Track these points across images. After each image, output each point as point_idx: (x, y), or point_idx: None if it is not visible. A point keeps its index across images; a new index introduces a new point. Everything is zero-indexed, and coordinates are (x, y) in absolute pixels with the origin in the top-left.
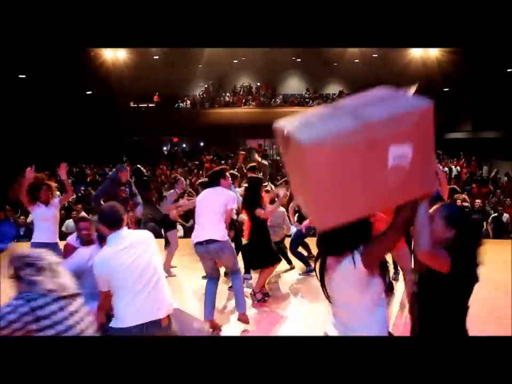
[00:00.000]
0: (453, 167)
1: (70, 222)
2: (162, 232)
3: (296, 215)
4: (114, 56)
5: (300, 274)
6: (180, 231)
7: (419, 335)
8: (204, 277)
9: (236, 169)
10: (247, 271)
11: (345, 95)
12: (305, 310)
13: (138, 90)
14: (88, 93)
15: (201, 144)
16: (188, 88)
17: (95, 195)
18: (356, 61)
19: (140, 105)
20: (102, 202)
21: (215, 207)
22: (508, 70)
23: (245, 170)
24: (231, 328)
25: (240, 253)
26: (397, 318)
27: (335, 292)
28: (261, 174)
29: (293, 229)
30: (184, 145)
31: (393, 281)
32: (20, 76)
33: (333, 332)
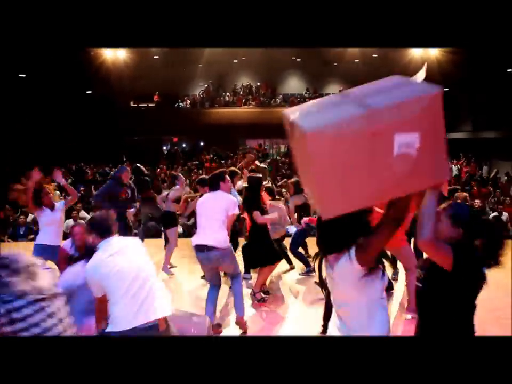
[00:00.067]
0: (453, 166)
1: (70, 222)
2: (162, 230)
3: (295, 214)
4: (114, 56)
5: (299, 274)
6: (179, 228)
7: (420, 333)
8: (202, 277)
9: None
10: (247, 270)
11: None
12: (305, 310)
13: (138, 90)
14: (88, 92)
15: (201, 144)
16: (188, 87)
17: (96, 195)
18: (356, 61)
19: (139, 105)
20: (104, 200)
21: (215, 214)
22: (508, 70)
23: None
24: (231, 328)
25: (240, 253)
26: (396, 318)
27: (334, 291)
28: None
29: (293, 229)
30: (184, 145)
31: (393, 282)
32: (20, 75)
33: (336, 334)
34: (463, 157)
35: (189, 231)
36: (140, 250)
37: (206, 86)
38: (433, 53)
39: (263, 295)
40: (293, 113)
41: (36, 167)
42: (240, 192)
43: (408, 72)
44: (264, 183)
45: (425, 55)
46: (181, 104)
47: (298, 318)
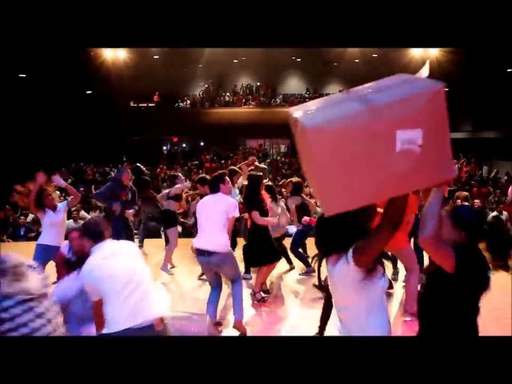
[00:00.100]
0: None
1: (70, 223)
2: (162, 230)
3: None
4: (114, 56)
5: (299, 274)
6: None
7: (421, 335)
8: (200, 276)
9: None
10: (247, 270)
11: None
12: (305, 310)
13: (138, 90)
14: (88, 92)
15: (201, 144)
16: (188, 87)
17: (96, 193)
18: (356, 61)
19: (140, 105)
20: (105, 200)
21: (216, 216)
22: (508, 70)
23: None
24: (231, 328)
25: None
26: (396, 318)
27: (334, 293)
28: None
29: (294, 229)
30: (184, 145)
31: (393, 282)
32: (20, 75)
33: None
34: (463, 157)
35: (190, 231)
36: (134, 253)
37: (206, 86)
38: (433, 53)
39: (263, 294)
40: (296, 111)
41: (41, 171)
42: (241, 191)
43: (408, 72)
44: (264, 181)
45: (425, 55)
46: (181, 104)
47: (298, 318)
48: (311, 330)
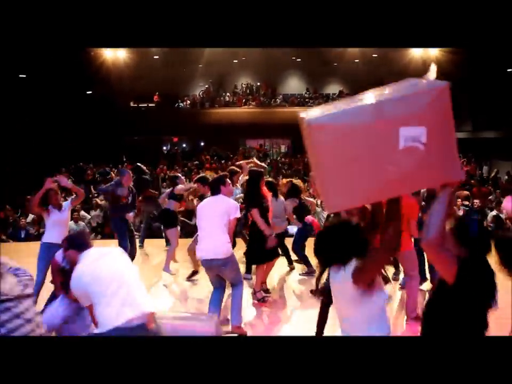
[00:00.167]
0: None
1: (71, 224)
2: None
3: (294, 216)
4: (114, 56)
5: (300, 275)
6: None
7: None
8: (188, 278)
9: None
10: (248, 270)
11: (345, 95)
12: (305, 310)
13: (138, 90)
14: (88, 92)
15: (201, 144)
16: (188, 88)
17: (99, 188)
18: (356, 61)
19: (140, 105)
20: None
21: (216, 218)
22: (508, 70)
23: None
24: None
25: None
26: (396, 318)
27: (335, 302)
28: None
29: (294, 229)
30: (184, 145)
31: (393, 281)
32: (20, 76)
33: None
34: (463, 157)
35: (192, 231)
36: (118, 255)
37: (206, 86)
38: (433, 53)
39: (263, 294)
40: (305, 113)
41: (49, 177)
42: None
43: (408, 72)
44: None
45: (425, 55)
46: (181, 104)
47: (298, 318)
48: (311, 330)
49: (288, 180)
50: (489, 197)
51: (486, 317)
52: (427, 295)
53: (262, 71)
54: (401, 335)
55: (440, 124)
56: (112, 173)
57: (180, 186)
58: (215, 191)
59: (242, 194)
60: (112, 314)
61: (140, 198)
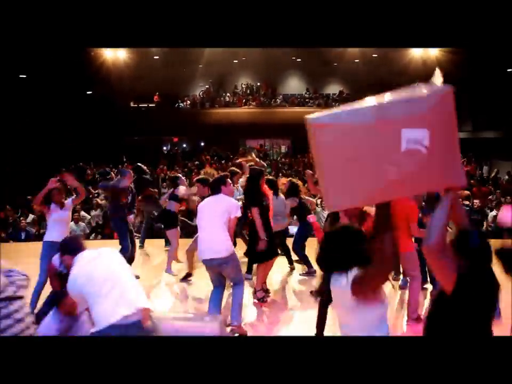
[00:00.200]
0: None
1: (72, 225)
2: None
3: (294, 217)
4: (114, 56)
5: (300, 275)
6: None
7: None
8: (184, 278)
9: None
10: (249, 270)
11: (345, 95)
12: (305, 310)
13: (139, 90)
14: (88, 92)
15: (202, 144)
16: (188, 88)
17: (101, 184)
18: (356, 61)
19: (140, 105)
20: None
21: (217, 217)
22: (508, 70)
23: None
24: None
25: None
26: (396, 318)
27: (335, 307)
28: None
29: (294, 229)
30: (184, 145)
31: (393, 282)
32: (20, 76)
33: None
34: (463, 157)
35: (192, 232)
36: (112, 256)
37: (206, 86)
38: (433, 53)
39: (264, 293)
40: (312, 115)
41: (53, 179)
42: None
43: (408, 72)
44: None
45: (425, 55)
46: (181, 104)
47: (298, 318)
48: (311, 330)
49: (287, 179)
50: (489, 197)
51: (489, 328)
52: (428, 295)
53: (262, 71)
54: (402, 333)
55: (443, 128)
56: (112, 173)
57: (183, 190)
58: (216, 190)
59: (242, 196)
60: (107, 312)
61: (140, 197)
